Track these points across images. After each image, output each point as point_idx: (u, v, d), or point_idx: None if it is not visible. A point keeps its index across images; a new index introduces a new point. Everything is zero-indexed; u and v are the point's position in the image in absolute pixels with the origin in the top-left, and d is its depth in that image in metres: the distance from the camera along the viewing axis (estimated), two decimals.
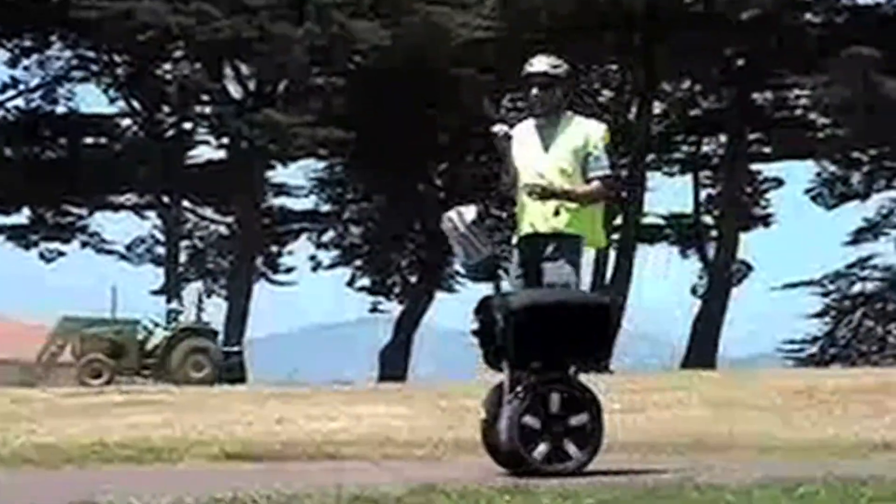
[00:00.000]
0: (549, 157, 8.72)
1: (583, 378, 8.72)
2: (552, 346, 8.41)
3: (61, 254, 42.91)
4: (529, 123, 8.95)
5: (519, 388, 8.46)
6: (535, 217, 8.69)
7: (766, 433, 13.37)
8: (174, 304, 34.81)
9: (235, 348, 35.96)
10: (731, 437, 12.83)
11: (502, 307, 8.36)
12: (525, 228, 8.73)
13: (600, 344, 8.62)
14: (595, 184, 8.69)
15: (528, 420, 8.39)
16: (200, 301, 34.41)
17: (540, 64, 8.99)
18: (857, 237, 45.18)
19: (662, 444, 12.02)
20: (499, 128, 8.95)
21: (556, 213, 8.63)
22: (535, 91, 8.91)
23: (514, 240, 8.83)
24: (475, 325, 8.57)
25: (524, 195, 8.70)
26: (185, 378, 31.49)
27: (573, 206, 8.63)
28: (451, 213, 8.53)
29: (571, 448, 8.46)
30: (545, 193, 8.60)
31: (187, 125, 42.94)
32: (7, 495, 8.15)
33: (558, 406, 8.43)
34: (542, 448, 8.40)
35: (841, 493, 7.46)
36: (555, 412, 8.42)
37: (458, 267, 8.79)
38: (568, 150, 8.71)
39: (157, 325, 34.11)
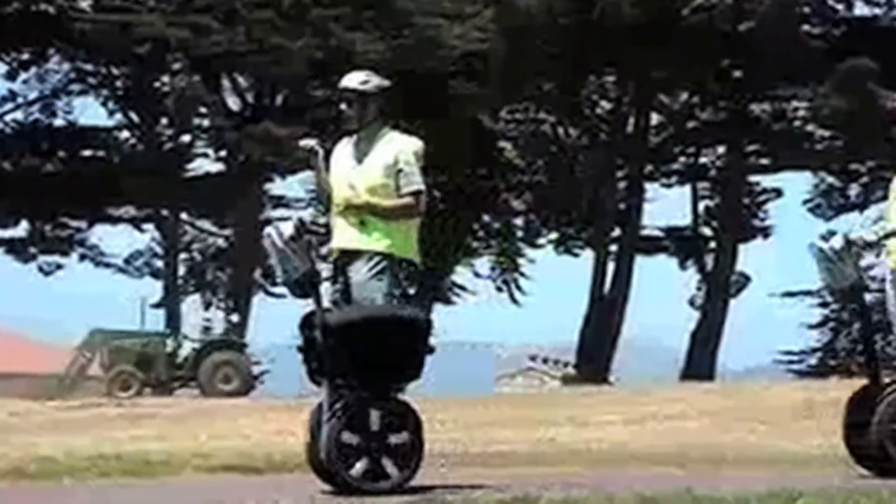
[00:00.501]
0: (361, 171, 8.75)
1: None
2: (364, 363, 8.40)
3: (59, 266, 42.93)
4: (348, 140, 8.98)
5: (338, 406, 8.42)
6: (345, 233, 8.75)
7: (764, 445, 13.37)
8: (209, 316, 34.99)
9: (256, 361, 35.95)
10: (730, 448, 12.83)
11: (319, 324, 8.39)
12: (336, 244, 8.80)
13: (411, 359, 8.53)
14: (405, 199, 8.71)
15: (347, 437, 8.33)
16: (229, 314, 34.53)
17: (350, 80, 9.02)
18: None
19: (661, 456, 12.02)
20: (306, 142, 9.04)
21: (363, 227, 8.67)
22: (345, 107, 8.98)
23: (331, 256, 8.88)
24: (299, 342, 8.65)
25: (335, 211, 8.79)
26: (213, 390, 31.63)
27: (381, 221, 8.66)
28: (270, 229, 8.59)
29: (390, 467, 8.37)
30: (352, 208, 8.64)
31: (186, 138, 42.95)
32: None
33: (378, 424, 8.37)
34: (359, 466, 8.32)
35: (839, 503, 7.46)
36: (374, 430, 8.36)
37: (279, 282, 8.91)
38: (379, 166, 8.73)
39: (185, 337, 34.26)
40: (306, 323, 8.58)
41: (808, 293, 45.78)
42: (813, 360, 45.32)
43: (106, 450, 12.72)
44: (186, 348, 33.60)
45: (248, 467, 10.97)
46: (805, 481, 8.41)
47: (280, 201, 43.41)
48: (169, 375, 33.25)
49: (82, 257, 43.09)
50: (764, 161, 43.78)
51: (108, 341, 33.53)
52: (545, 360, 50.41)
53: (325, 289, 8.74)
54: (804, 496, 7.62)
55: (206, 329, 34.40)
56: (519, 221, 44.94)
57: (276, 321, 59.74)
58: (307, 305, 8.54)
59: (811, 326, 45.77)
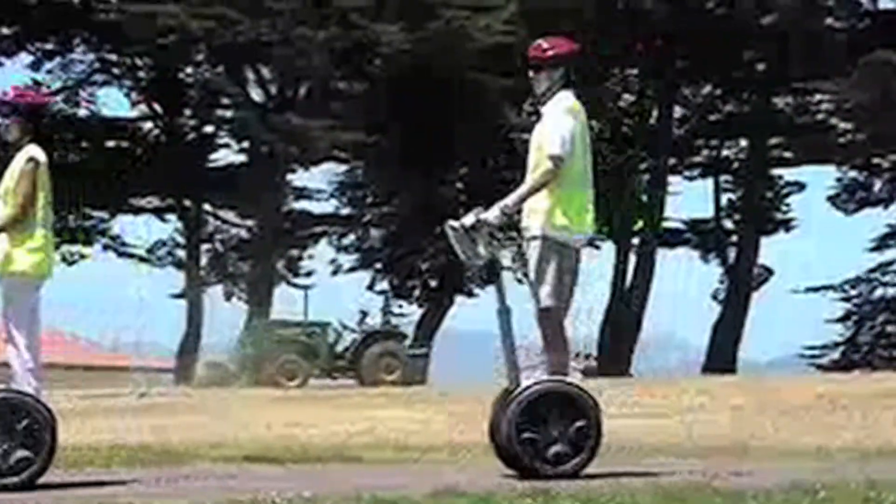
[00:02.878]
0: None
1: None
2: None
3: (83, 256, 43.02)
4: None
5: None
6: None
7: (786, 438, 13.35)
8: (364, 308, 35.08)
9: (422, 350, 36.11)
10: (752, 441, 12.82)
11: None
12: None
13: None
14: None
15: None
16: (388, 304, 34.62)
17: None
18: (880, 243, 45.03)
19: (683, 449, 12.01)
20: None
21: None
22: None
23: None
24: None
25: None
26: (375, 380, 31.78)
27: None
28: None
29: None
30: None
31: (209, 129, 42.99)
32: (28, 497, 8.18)
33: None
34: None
35: (862, 497, 7.45)
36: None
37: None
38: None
39: (345, 327, 34.38)
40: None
41: (831, 287, 45.66)
42: (835, 355, 45.16)
43: (127, 439, 12.76)
44: (347, 339, 33.77)
45: (269, 457, 10.99)
46: (826, 475, 8.40)
47: (302, 192, 43.45)
48: (331, 365, 33.42)
49: (105, 247, 43.20)
50: (787, 154, 43.64)
51: (271, 331, 33.73)
52: None
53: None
54: (826, 489, 7.61)
55: (364, 319, 34.50)
56: None
57: (298, 312, 59.77)
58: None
59: (833, 321, 45.64)
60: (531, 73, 9.06)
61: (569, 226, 8.81)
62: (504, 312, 8.84)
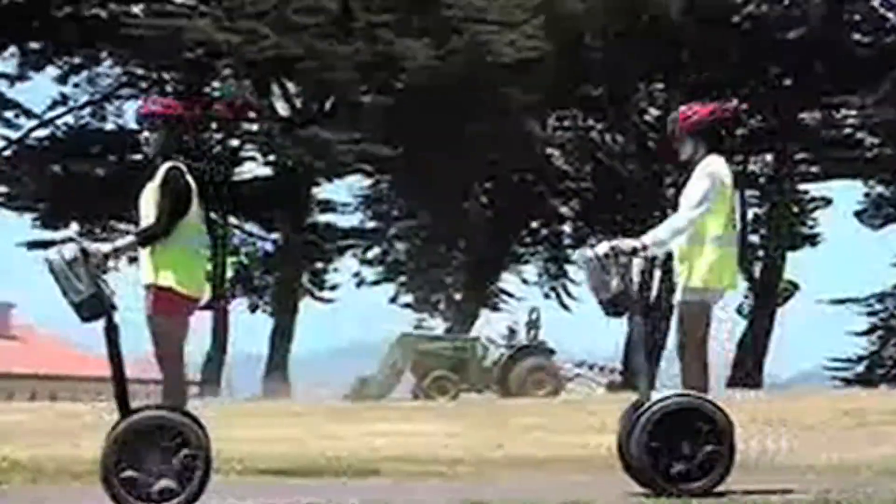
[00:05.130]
0: None
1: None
2: None
3: (115, 269, 43.10)
4: None
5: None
6: None
7: (812, 453, 13.31)
8: (510, 323, 35.07)
9: (567, 366, 36.06)
10: (777, 456, 12.79)
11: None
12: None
13: None
14: None
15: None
16: (536, 319, 34.64)
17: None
18: None
19: None
20: None
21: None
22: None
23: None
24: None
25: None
26: (524, 395, 31.81)
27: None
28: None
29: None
30: None
31: (234, 142, 43.10)
32: None
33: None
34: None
35: None
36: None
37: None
38: None
39: (491, 341, 34.42)
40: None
41: (856, 301, 45.54)
42: (860, 368, 45.03)
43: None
44: (494, 353, 33.79)
45: (294, 470, 11.01)
46: (853, 491, 8.37)
47: (327, 206, 43.52)
48: (480, 380, 33.45)
49: (132, 260, 43.28)
50: (813, 169, 43.52)
51: (420, 345, 33.93)
52: (591, 367, 50.30)
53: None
54: None
55: (511, 334, 34.52)
56: (567, 228, 44.88)
57: (322, 326, 59.89)
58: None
59: (859, 334, 45.49)
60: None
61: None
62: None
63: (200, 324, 39.70)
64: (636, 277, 8.80)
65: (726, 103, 9.71)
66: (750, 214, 44.50)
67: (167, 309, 8.49)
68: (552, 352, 34.32)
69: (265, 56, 37.87)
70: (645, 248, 8.72)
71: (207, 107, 39.34)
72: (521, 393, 31.71)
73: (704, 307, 8.83)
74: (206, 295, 8.84)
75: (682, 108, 9.19)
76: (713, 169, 9.03)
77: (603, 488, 8.98)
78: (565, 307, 43.80)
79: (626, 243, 8.74)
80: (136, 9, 39.77)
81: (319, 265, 43.64)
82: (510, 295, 44.36)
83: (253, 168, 42.96)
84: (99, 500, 8.83)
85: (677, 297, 8.90)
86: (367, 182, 43.56)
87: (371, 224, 44.18)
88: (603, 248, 8.67)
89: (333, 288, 43.87)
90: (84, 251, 8.41)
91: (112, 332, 8.42)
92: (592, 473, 11.11)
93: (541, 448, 14.13)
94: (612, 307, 8.67)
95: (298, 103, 40.89)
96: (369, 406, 24.30)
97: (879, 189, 44.38)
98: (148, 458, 8.05)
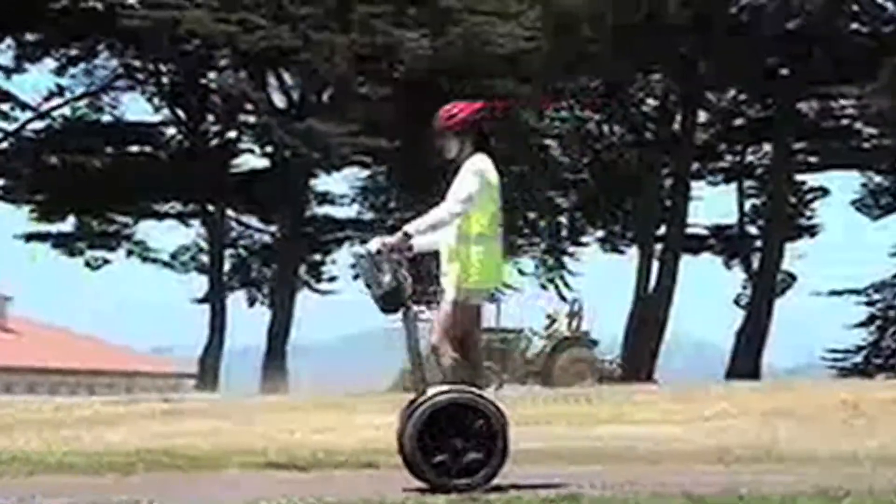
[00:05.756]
0: None
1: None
2: None
3: (106, 262, 43.13)
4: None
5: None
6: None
7: (810, 444, 13.29)
8: (550, 313, 35.02)
9: (610, 356, 35.97)
10: (775, 447, 12.77)
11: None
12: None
13: None
14: None
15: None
16: (579, 311, 34.60)
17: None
18: None
19: (706, 455, 11.97)
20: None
21: None
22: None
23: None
24: None
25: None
26: (567, 387, 31.75)
27: None
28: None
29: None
30: None
31: (231, 134, 43.05)
32: (53, 503, 8.18)
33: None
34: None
35: (886, 503, 7.40)
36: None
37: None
38: None
39: (534, 333, 34.37)
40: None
41: (854, 291, 45.52)
42: (858, 359, 45.03)
43: (151, 445, 12.76)
44: (537, 345, 33.73)
45: (293, 463, 11.00)
46: (851, 481, 8.35)
47: (325, 197, 43.49)
48: (523, 371, 33.39)
49: (129, 252, 43.29)
50: (811, 159, 43.50)
51: None
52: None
53: None
54: (850, 496, 7.57)
55: (552, 325, 34.48)
56: (564, 219, 44.85)
57: (320, 318, 59.90)
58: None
59: (857, 325, 45.49)
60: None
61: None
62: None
63: (200, 318, 39.72)
64: (408, 273, 8.80)
65: (494, 101, 9.69)
66: (747, 205, 44.50)
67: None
68: (594, 343, 34.31)
69: (262, 47, 37.82)
70: (408, 236, 8.82)
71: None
72: (563, 384, 31.62)
73: (469, 306, 8.95)
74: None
75: (446, 106, 9.24)
76: (480, 167, 9.03)
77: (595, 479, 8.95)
78: (563, 298, 43.77)
79: (393, 238, 8.80)
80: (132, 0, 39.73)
81: (317, 257, 43.61)
82: (508, 286, 44.33)
83: (250, 160, 42.96)
84: (98, 492, 8.80)
85: (446, 295, 8.87)
86: (365, 173, 43.52)
87: (369, 216, 44.12)
88: (374, 244, 8.80)
89: (332, 280, 43.84)
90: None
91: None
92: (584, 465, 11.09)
93: (531, 441, 14.10)
94: (385, 303, 8.75)
95: (295, 94, 40.85)
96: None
97: (877, 179, 44.36)
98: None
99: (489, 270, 8.98)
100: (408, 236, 8.81)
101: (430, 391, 8.66)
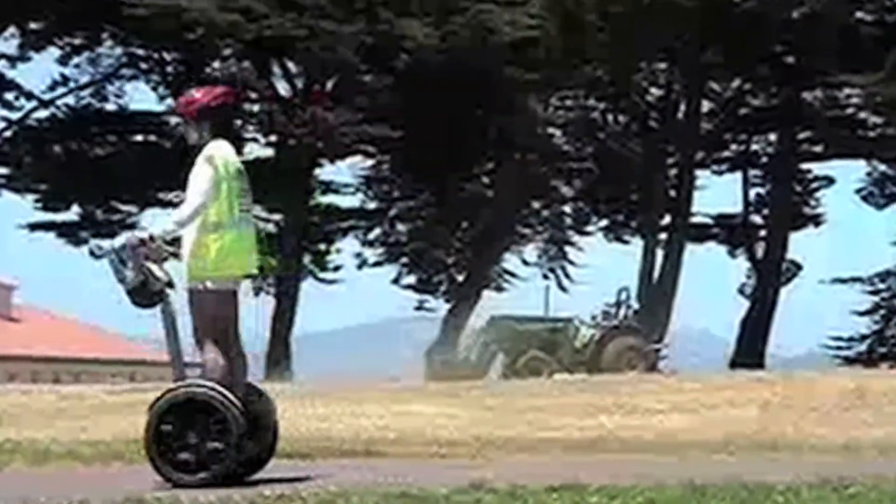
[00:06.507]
0: None
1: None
2: None
3: None
4: None
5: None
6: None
7: (814, 433, 13.29)
8: (604, 307, 34.99)
9: (656, 346, 35.98)
10: (781, 436, 12.77)
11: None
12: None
13: None
14: None
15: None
16: (627, 299, 34.56)
17: None
18: None
19: (711, 444, 11.97)
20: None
21: None
22: None
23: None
24: None
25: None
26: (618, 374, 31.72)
27: None
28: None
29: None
30: None
31: (236, 122, 43.01)
32: (58, 490, 8.19)
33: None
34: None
35: (891, 492, 7.40)
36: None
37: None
38: None
39: (582, 322, 34.35)
40: None
41: (859, 280, 45.51)
42: (863, 348, 45.00)
43: None
44: (585, 334, 33.69)
45: (296, 452, 10.98)
46: (855, 470, 8.35)
47: (329, 187, 43.47)
48: (572, 360, 33.34)
49: None
50: (816, 149, 43.43)
51: (514, 326, 33.81)
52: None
53: None
54: (855, 485, 7.56)
55: (606, 314, 34.44)
56: (568, 208, 44.83)
57: (325, 306, 59.89)
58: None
59: (861, 313, 45.46)
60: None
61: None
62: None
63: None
64: (158, 267, 8.75)
65: (230, 88, 9.73)
66: (752, 194, 44.45)
67: None
68: (643, 332, 34.30)
69: (266, 36, 37.79)
70: (153, 238, 8.79)
71: None
72: (613, 372, 31.57)
73: (212, 296, 8.87)
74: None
75: (187, 93, 9.23)
76: (210, 154, 9.05)
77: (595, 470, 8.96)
78: (563, 289, 43.79)
79: (136, 235, 8.84)
80: None
81: (321, 246, 43.60)
82: (513, 275, 44.34)
83: (254, 149, 42.94)
84: (101, 481, 8.80)
85: (187, 285, 8.90)
86: (369, 163, 43.49)
87: (373, 205, 44.11)
88: (119, 240, 8.80)
89: (336, 269, 43.84)
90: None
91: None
92: (592, 454, 11.09)
93: (536, 430, 14.10)
94: (133, 298, 8.76)
95: (299, 83, 40.82)
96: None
97: (882, 168, 44.32)
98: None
99: (230, 258, 8.96)
100: (152, 240, 8.78)
101: (173, 385, 8.68)
